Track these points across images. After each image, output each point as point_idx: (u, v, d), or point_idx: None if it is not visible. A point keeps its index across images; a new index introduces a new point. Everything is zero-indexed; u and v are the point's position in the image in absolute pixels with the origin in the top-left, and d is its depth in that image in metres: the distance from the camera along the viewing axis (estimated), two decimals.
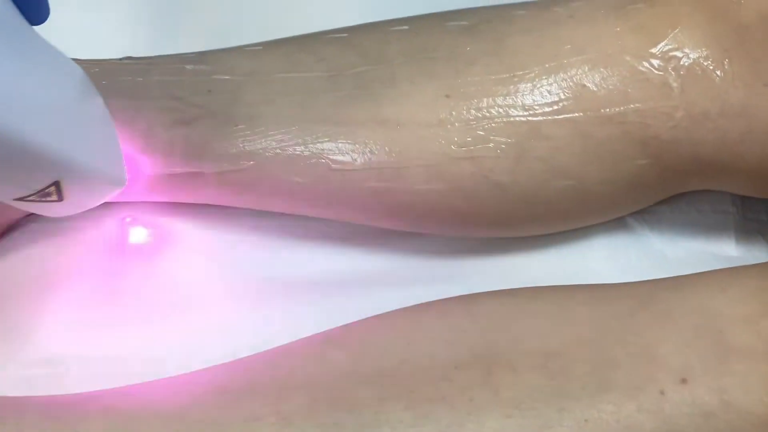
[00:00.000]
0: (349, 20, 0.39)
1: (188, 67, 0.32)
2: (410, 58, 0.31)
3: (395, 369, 0.24)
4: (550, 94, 0.29)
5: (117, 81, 0.32)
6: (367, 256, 0.34)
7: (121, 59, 0.32)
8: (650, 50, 0.29)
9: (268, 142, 0.31)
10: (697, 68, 0.28)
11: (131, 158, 0.31)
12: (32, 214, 0.35)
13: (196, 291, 0.33)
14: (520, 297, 0.27)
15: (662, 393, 0.22)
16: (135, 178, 0.32)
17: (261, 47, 0.33)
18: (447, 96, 0.30)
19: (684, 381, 0.22)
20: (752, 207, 0.35)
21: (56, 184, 0.25)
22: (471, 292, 0.30)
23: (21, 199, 0.25)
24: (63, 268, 0.34)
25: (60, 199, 0.26)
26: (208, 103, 0.31)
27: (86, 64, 0.32)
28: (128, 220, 0.35)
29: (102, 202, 0.29)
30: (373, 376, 0.24)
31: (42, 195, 0.25)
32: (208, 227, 0.35)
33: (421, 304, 0.28)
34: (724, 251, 0.34)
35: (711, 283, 0.26)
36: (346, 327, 0.28)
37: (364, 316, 0.29)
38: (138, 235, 0.35)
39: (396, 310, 0.28)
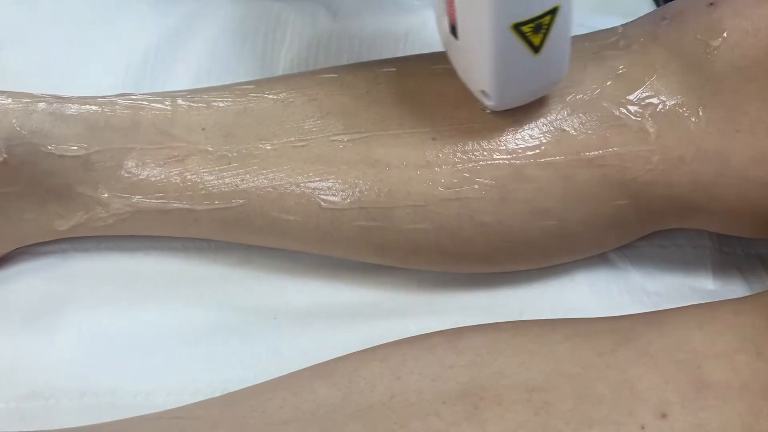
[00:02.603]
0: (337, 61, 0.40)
1: (181, 103, 0.33)
2: (398, 100, 0.32)
3: (384, 404, 0.25)
4: (532, 138, 0.30)
5: (111, 117, 0.32)
6: (354, 288, 0.35)
7: (115, 96, 0.33)
8: (628, 97, 0.30)
9: (261, 179, 0.31)
10: (673, 115, 0.30)
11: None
12: (21, 248, 0.35)
13: (184, 324, 0.34)
14: (504, 332, 0.28)
15: (642, 428, 0.23)
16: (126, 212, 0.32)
17: (253, 86, 0.34)
18: (434, 139, 0.31)
19: (664, 416, 0.23)
20: (728, 242, 0.37)
21: (553, 14, 0.25)
22: (456, 325, 0.30)
23: (518, 27, 0.25)
24: (52, 301, 0.34)
25: (539, 48, 0.26)
26: (201, 141, 0.32)
27: (80, 101, 0.32)
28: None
29: (541, 95, 0.29)
30: (362, 411, 0.25)
31: (536, 28, 0.25)
32: (198, 261, 0.35)
33: (408, 339, 0.29)
34: (702, 285, 0.35)
35: (689, 319, 0.27)
36: (335, 361, 0.28)
37: (351, 348, 0.30)
38: (127, 267, 0.35)
39: (383, 345, 0.29)
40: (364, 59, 0.36)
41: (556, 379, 0.24)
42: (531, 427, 0.23)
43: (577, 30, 0.36)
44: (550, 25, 0.26)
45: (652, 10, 0.46)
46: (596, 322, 0.28)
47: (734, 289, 0.35)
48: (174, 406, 0.29)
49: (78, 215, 0.33)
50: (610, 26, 0.34)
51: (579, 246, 0.33)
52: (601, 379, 0.24)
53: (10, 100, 0.31)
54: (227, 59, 0.41)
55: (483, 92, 0.29)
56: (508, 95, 0.29)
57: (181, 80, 0.41)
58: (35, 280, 0.35)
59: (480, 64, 0.28)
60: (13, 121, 0.31)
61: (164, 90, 0.35)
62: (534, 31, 0.26)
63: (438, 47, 0.37)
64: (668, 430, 0.23)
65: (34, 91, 0.32)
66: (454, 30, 0.28)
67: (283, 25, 0.42)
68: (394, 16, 0.42)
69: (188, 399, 0.29)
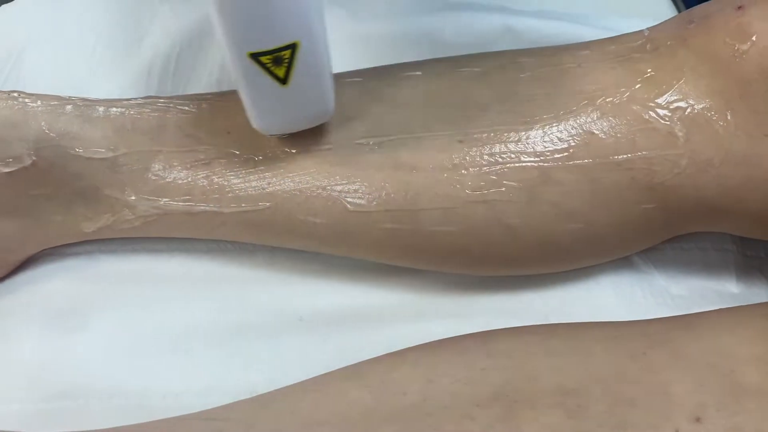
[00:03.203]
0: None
1: (207, 107, 0.33)
2: (424, 103, 0.32)
3: (417, 407, 0.25)
4: (561, 141, 0.30)
5: (138, 120, 0.32)
6: (379, 291, 0.35)
7: (142, 99, 0.33)
8: (656, 100, 0.30)
9: (287, 183, 0.32)
10: (702, 118, 0.30)
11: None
12: (47, 249, 0.35)
13: (210, 325, 0.34)
14: (535, 335, 0.28)
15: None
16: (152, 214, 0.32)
17: None
18: (460, 141, 0.31)
19: (698, 420, 0.23)
20: (751, 245, 0.37)
21: (293, 49, 0.25)
22: (481, 328, 0.30)
23: (256, 57, 0.25)
24: (79, 302, 0.35)
25: (285, 80, 0.26)
26: (228, 144, 0.32)
27: (107, 104, 0.33)
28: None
29: (305, 127, 0.30)
30: (396, 414, 0.25)
31: (276, 60, 0.25)
32: (223, 262, 0.36)
33: (438, 342, 0.29)
34: (726, 288, 0.35)
35: (720, 323, 0.27)
36: (364, 364, 0.28)
37: (377, 351, 0.30)
38: (153, 268, 0.36)
39: (412, 348, 0.29)
40: (384, 62, 0.36)
41: (588, 382, 0.24)
42: (565, 431, 0.23)
43: (599, 33, 0.36)
44: (291, 59, 0.26)
45: (670, 12, 0.47)
46: (627, 326, 0.28)
47: (757, 292, 0.35)
48: (202, 408, 0.29)
49: (105, 217, 0.33)
50: (632, 29, 0.34)
51: (605, 249, 0.33)
52: (635, 383, 0.24)
53: (39, 103, 0.32)
54: None
55: (249, 116, 0.29)
56: (268, 120, 0.29)
57: (203, 83, 0.41)
58: (62, 281, 0.35)
59: (239, 92, 0.28)
60: (42, 123, 0.31)
61: (186, 93, 0.35)
62: (275, 63, 0.26)
63: (462, 50, 0.37)
64: None
65: (61, 94, 0.33)
66: None
67: None
68: (415, 19, 0.42)
69: (216, 400, 0.29)
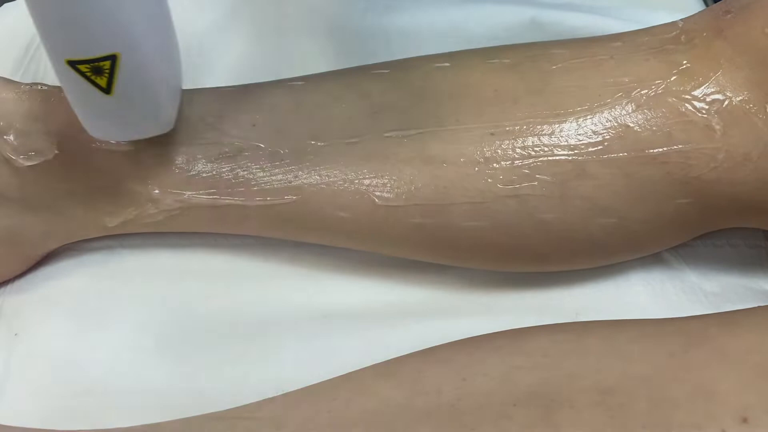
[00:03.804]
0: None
1: (231, 99, 0.33)
2: (454, 95, 0.31)
3: (452, 406, 0.24)
4: (595, 134, 0.29)
5: None
6: (405, 287, 0.34)
7: None
8: (693, 93, 0.29)
9: (314, 176, 0.31)
10: (739, 111, 0.29)
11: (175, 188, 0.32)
12: (68, 244, 0.35)
13: (235, 321, 0.33)
14: (570, 332, 0.27)
15: None
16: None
17: (303, 82, 0.33)
18: (492, 134, 0.30)
19: (745, 420, 0.22)
20: None
21: (113, 61, 0.25)
22: (510, 326, 0.30)
23: (74, 64, 0.25)
24: (101, 297, 0.34)
25: (108, 89, 0.26)
26: (253, 137, 0.32)
27: None
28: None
29: (138, 137, 0.29)
30: (430, 413, 0.24)
31: (95, 69, 0.25)
32: (247, 258, 0.35)
33: (470, 339, 0.28)
34: (759, 285, 0.35)
35: (761, 321, 0.26)
36: (395, 362, 0.28)
37: (405, 348, 0.29)
38: (175, 264, 0.35)
39: (444, 345, 0.28)
40: (403, 55, 0.35)
41: (628, 381, 0.24)
42: (607, 430, 0.22)
43: (627, 26, 0.35)
44: (113, 70, 0.25)
45: (698, 5, 0.46)
46: (664, 323, 0.27)
47: None
48: (228, 405, 0.28)
49: (128, 211, 0.33)
50: (659, 22, 0.33)
51: (638, 244, 0.32)
52: (676, 381, 0.24)
53: (61, 95, 0.31)
54: (269, 55, 0.41)
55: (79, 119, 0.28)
56: (94, 125, 0.28)
57: (222, 76, 0.41)
58: (83, 276, 0.35)
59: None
60: (65, 116, 0.31)
61: (205, 86, 0.35)
62: (95, 73, 0.25)
63: (488, 43, 0.36)
64: None
65: None
66: None
67: (316, 20, 0.41)
68: (439, 11, 0.42)
69: (242, 398, 0.29)
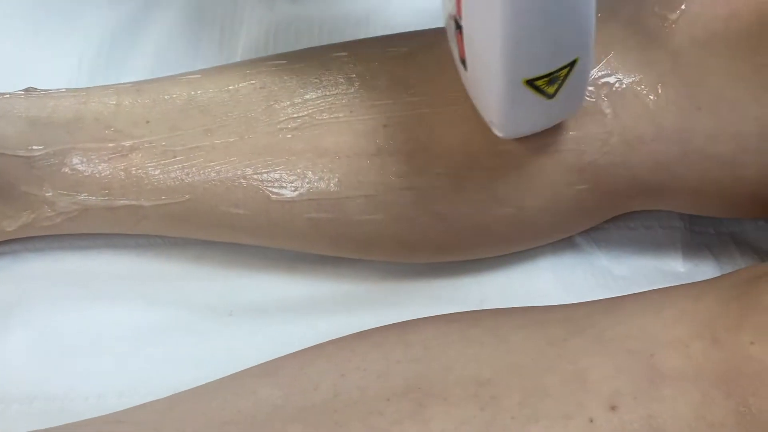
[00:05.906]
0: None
1: (126, 96, 0.32)
2: (349, 86, 0.31)
3: (327, 403, 0.24)
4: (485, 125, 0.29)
5: (53, 113, 0.31)
6: (314, 282, 0.34)
7: (57, 90, 0.32)
8: None
9: (207, 173, 0.30)
10: (631, 93, 0.28)
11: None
12: None
13: (138, 323, 0.33)
14: (456, 322, 0.27)
15: (591, 421, 0.22)
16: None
17: (199, 75, 0.33)
18: (385, 126, 0.30)
19: (614, 408, 0.22)
20: (699, 221, 0.36)
21: (571, 66, 0.24)
22: (417, 317, 0.29)
23: (531, 82, 0.24)
24: (2, 303, 0.33)
25: (553, 95, 0.25)
26: (146, 134, 0.31)
27: (20, 95, 0.31)
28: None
29: (547, 126, 0.28)
30: (304, 411, 0.24)
31: (550, 80, 0.24)
32: (152, 258, 0.34)
33: (357, 333, 0.28)
34: (672, 267, 0.34)
35: (647, 305, 0.26)
36: (282, 359, 0.27)
37: (306, 344, 0.29)
38: (80, 266, 0.34)
39: (332, 341, 0.28)
40: (325, 43, 0.35)
41: (504, 372, 0.24)
42: (476, 423, 0.22)
43: None
44: (567, 76, 0.24)
45: None
46: (552, 311, 0.27)
47: (705, 270, 0.34)
48: (125, 408, 0.28)
49: (25, 215, 0.32)
50: None
51: (540, 232, 0.32)
52: (551, 370, 0.23)
53: None
54: (185, 48, 0.40)
55: (491, 121, 0.27)
56: (518, 130, 0.28)
57: (137, 71, 0.40)
58: None
59: (489, 101, 0.26)
60: None
61: (119, 83, 0.34)
62: (548, 83, 0.24)
63: (398, 29, 0.36)
64: (618, 422, 0.22)
65: None
66: (463, 62, 0.26)
67: (240, 11, 0.40)
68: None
69: (140, 401, 0.28)
